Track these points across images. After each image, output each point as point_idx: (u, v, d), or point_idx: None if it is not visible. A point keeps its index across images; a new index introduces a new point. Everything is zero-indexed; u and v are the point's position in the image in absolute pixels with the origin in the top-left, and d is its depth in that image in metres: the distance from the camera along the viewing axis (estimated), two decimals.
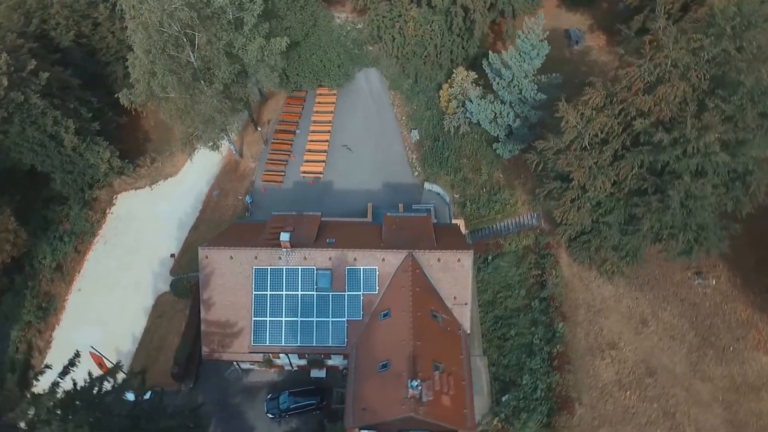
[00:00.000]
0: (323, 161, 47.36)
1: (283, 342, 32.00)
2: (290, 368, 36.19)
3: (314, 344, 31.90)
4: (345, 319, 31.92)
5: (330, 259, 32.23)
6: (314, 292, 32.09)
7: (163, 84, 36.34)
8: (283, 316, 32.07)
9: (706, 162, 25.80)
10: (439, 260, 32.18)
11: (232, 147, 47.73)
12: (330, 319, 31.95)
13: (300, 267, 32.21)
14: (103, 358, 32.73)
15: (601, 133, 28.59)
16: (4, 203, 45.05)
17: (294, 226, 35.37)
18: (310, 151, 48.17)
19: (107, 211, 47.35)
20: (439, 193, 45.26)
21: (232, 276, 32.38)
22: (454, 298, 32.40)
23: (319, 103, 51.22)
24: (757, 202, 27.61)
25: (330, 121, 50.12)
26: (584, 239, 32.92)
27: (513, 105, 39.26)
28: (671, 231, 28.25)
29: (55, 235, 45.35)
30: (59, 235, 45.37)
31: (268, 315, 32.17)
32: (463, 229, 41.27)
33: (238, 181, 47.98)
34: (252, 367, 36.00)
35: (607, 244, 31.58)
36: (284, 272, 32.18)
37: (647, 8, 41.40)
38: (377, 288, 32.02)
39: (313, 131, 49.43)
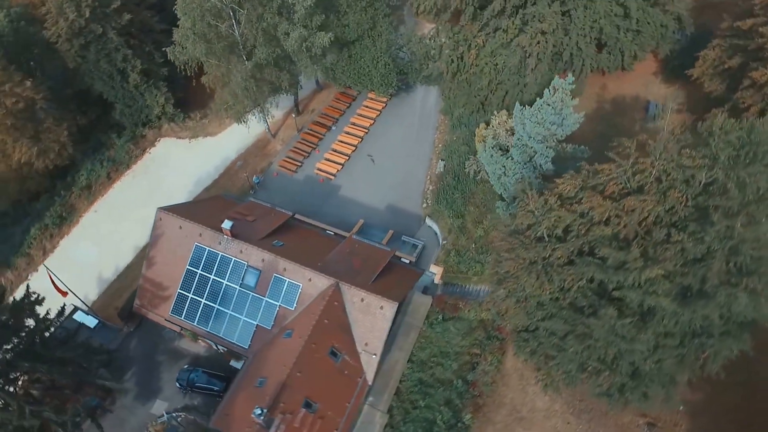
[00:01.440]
0: (341, 164, 47.31)
1: (195, 322, 33.03)
2: (216, 350, 37.24)
3: (221, 335, 32.49)
4: (255, 323, 32.04)
5: (263, 260, 32.39)
6: (238, 287, 32.56)
7: (193, 48, 38.60)
8: (204, 298, 33.02)
9: (648, 300, 21.48)
10: (362, 300, 30.85)
11: (266, 125, 49.48)
12: (242, 318, 32.27)
13: (234, 258, 32.81)
14: (55, 281, 36.18)
15: (556, 228, 25.04)
16: (68, 119, 51.59)
17: (256, 217, 36.04)
18: (334, 150, 48.35)
19: (147, 150, 51.85)
20: (436, 233, 43.11)
21: (176, 244, 33.99)
22: (366, 344, 30.95)
23: (365, 106, 51.09)
24: (708, 371, 22.48)
25: (367, 127, 49.79)
26: (524, 336, 29.35)
27: (522, 167, 35.85)
28: (595, 366, 24.09)
29: (100, 158, 50.78)
30: (102, 158, 50.73)
31: (191, 292, 33.35)
32: (437, 279, 39.11)
33: (261, 158, 49.75)
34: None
35: (542, 351, 27.83)
36: (219, 258, 33.00)
37: (729, 102, 35.16)
38: (295, 305, 31.62)
39: (347, 132, 49.48)
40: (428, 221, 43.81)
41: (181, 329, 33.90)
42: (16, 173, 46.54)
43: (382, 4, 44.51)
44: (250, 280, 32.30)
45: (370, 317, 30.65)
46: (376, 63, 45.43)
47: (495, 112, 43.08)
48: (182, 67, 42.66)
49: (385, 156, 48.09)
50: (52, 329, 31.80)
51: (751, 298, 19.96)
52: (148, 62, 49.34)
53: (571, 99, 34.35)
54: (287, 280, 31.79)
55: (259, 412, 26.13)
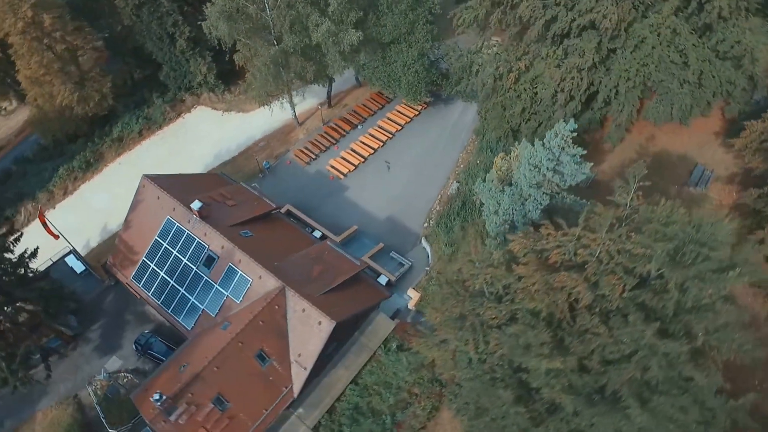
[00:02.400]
0: (355, 165, 46.78)
1: (150, 292, 34.09)
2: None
3: (169, 311, 33.31)
4: (202, 308, 32.51)
5: (222, 247, 32.75)
6: (195, 268, 33.19)
7: (216, 26, 39.49)
8: (163, 270, 33.98)
9: (548, 392, 19.17)
10: (303, 311, 30.34)
11: (293, 112, 49.93)
12: (192, 299, 32.87)
13: (198, 239, 33.43)
14: (48, 223, 38.76)
15: (493, 285, 23.02)
16: (124, 71, 55.19)
17: (238, 203, 36.53)
18: (352, 150, 47.89)
19: (182, 114, 54.13)
20: (428, 256, 41.59)
21: (152, 213, 35.19)
22: (299, 355, 30.46)
23: (396, 111, 50.18)
24: None
25: (393, 133, 48.88)
26: (455, 390, 27.47)
27: (513, 209, 33.49)
28: None
29: (138, 114, 53.73)
30: (139, 115, 53.63)
31: (153, 262, 34.44)
32: (412, 304, 37.83)
33: (282, 143, 50.34)
34: None
35: (465, 411, 25.90)
36: (185, 235, 33.77)
37: None
38: (242, 298, 31.71)
39: (371, 134, 48.84)
40: (424, 242, 42.36)
41: (139, 296, 35.20)
42: (58, 113, 50.27)
43: (424, 10, 43.12)
44: (207, 264, 32.81)
45: (308, 329, 30.10)
46: (406, 69, 44.28)
47: (517, 144, 40.87)
48: (217, 41, 43.92)
49: (402, 165, 47.01)
50: (24, 269, 34.07)
51: (652, 420, 17.18)
52: (197, 30, 51.19)
53: (576, 147, 31.53)
54: (240, 272, 31.95)
55: (157, 397, 26.57)
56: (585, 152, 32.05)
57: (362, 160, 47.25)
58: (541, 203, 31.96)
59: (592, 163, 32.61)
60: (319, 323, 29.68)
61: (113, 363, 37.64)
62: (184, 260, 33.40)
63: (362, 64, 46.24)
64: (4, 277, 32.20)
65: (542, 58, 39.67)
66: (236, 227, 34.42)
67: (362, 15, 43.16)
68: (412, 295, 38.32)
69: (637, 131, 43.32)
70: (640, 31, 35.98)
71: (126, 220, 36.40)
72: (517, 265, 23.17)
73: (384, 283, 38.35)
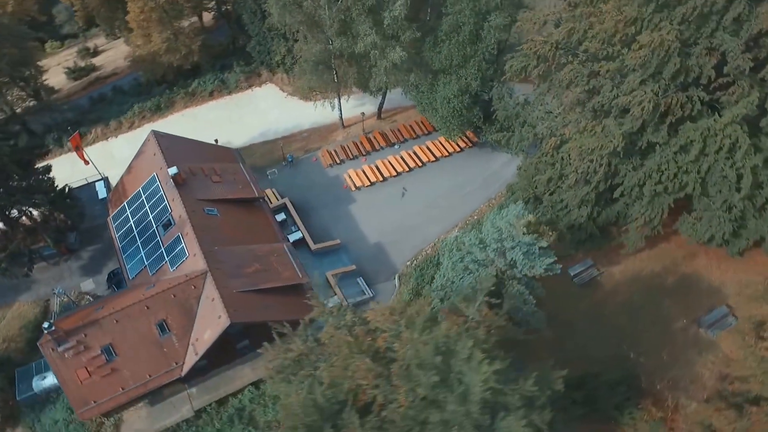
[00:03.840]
0: (371, 182, 46.98)
1: (117, 234, 37.83)
2: None
3: (123, 256, 36.79)
4: (146, 264, 35.37)
5: (180, 216, 35.26)
6: (155, 227, 36.20)
7: (272, 10, 41.86)
8: (133, 219, 37.53)
9: None
10: (212, 300, 31.70)
11: (339, 113, 51.32)
12: (142, 253, 35.89)
13: (166, 202, 36.33)
14: (83, 151, 44.51)
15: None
16: (208, 37, 60.85)
17: (224, 180, 38.95)
18: (376, 166, 48.12)
19: (252, 87, 58.22)
20: (393, 294, 40.75)
21: (146, 166, 38.85)
22: (197, 339, 31.99)
23: (438, 141, 49.32)
24: None
25: (424, 162, 48.21)
26: None
27: (454, 280, 31.55)
28: None
29: (217, 75, 58.83)
30: (217, 77, 58.68)
31: (130, 209, 38.12)
32: None
33: (320, 140, 52.02)
34: None
35: None
36: (159, 195, 36.91)
37: None
38: (174, 269, 33.86)
39: (401, 157, 48.57)
40: (396, 280, 41.57)
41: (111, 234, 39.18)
42: (152, 56, 57.11)
43: (484, 47, 41.63)
44: (165, 227, 35.58)
45: (210, 319, 31.41)
46: (445, 102, 43.23)
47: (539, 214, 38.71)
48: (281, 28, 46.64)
49: (417, 197, 46.27)
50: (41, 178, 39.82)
51: None
52: None
53: (537, 238, 28.91)
54: (182, 244, 34.21)
55: (46, 325, 29.75)
56: (545, 244, 29.48)
57: (381, 179, 47.26)
58: (479, 283, 29.78)
59: (554, 258, 29.76)
60: (219, 317, 30.89)
61: (87, 284, 42.42)
62: (150, 217, 36.55)
63: (411, 84, 46.05)
64: (20, 182, 37.92)
65: (579, 131, 36.53)
66: (204, 203, 36.73)
67: (419, 36, 43.02)
68: None
69: (676, 241, 38.01)
70: (690, 132, 31.47)
71: (129, 165, 40.65)
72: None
73: (333, 305, 38.37)
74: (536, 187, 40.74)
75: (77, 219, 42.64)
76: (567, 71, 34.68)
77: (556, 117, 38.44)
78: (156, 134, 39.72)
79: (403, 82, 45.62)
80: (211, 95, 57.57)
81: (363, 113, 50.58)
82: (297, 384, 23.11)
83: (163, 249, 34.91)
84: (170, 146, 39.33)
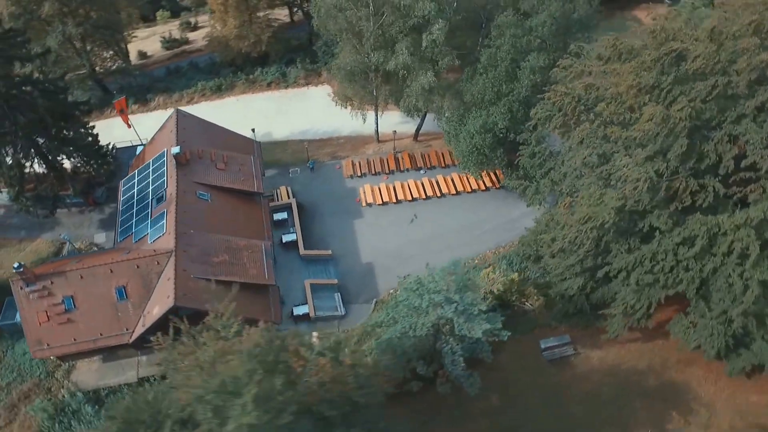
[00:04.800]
0: (384, 201, 46.71)
1: (121, 198, 40.78)
2: None
3: (119, 219, 39.60)
4: (132, 231, 37.82)
5: (170, 194, 37.34)
6: (150, 198, 38.66)
7: (317, 16, 42.99)
8: (136, 188, 40.28)
9: None
10: (168, 279, 33.22)
11: (375, 127, 51.50)
12: (133, 220, 38.32)
13: (165, 178, 38.65)
14: (127, 115, 48.46)
15: None
16: (289, 32, 63.53)
17: (228, 170, 40.69)
18: (393, 187, 47.75)
19: (308, 86, 60.05)
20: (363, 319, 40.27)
21: (164, 141, 41.35)
22: (148, 312, 33.60)
23: (465, 175, 47.95)
24: None
25: (444, 194, 47.21)
26: None
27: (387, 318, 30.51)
28: None
29: (279, 68, 61.21)
30: (279, 70, 61.01)
31: (137, 178, 40.97)
32: None
33: (352, 149, 52.42)
34: None
35: None
36: (162, 170, 39.35)
37: None
38: (152, 241, 35.75)
39: (422, 183, 47.84)
40: (373, 304, 41.08)
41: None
42: (224, 40, 60.93)
43: (520, 87, 39.78)
44: (158, 201, 37.80)
45: (161, 297, 32.78)
46: (470, 137, 41.86)
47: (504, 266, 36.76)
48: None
49: (425, 226, 45.39)
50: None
51: None
52: None
53: (486, 297, 27.31)
54: (164, 221, 36.19)
55: (17, 265, 32.68)
56: (485, 307, 27.80)
57: (395, 200, 46.84)
58: (409, 332, 28.73)
59: (499, 325, 28.00)
60: (168, 297, 32.37)
61: (99, 237, 46.12)
62: (150, 189, 39.02)
63: (442, 111, 45.27)
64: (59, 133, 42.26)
65: (587, 196, 33.97)
66: (200, 186, 38.55)
67: (458, 64, 42.27)
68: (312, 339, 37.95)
69: (677, 341, 34.04)
70: (697, 225, 28.13)
71: (152, 137, 43.71)
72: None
73: (300, 313, 38.86)
74: (541, 246, 38.36)
75: (108, 175, 46.43)
76: (580, 130, 32.48)
77: (574, 176, 36.03)
78: (179, 113, 42.36)
79: (435, 108, 44.94)
80: (269, 86, 60.14)
81: (395, 131, 50.37)
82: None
83: (149, 221, 37.14)
84: (188, 127, 41.73)
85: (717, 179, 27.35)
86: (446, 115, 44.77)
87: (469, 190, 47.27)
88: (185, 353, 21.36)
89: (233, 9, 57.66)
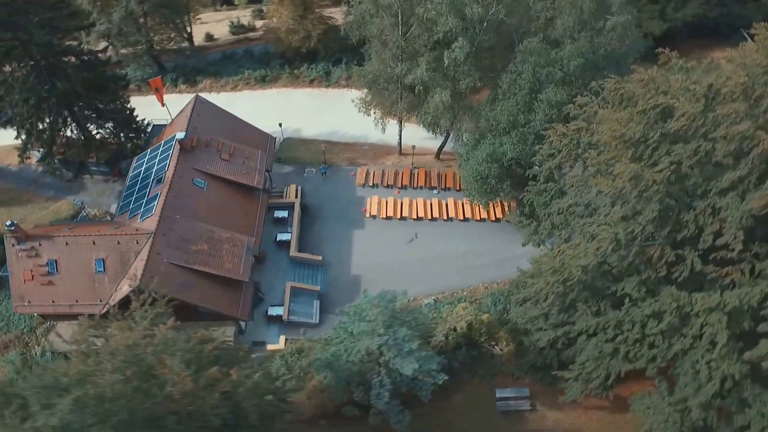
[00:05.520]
0: (388, 216, 46.35)
1: (128, 174, 43.23)
2: None
3: (122, 193, 42.09)
4: (130, 207, 40.01)
5: (168, 177, 38.94)
6: (152, 179, 40.72)
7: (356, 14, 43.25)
8: (144, 166, 42.52)
9: None
10: (141, 260, 34.85)
11: (398, 138, 51.13)
12: (133, 197, 40.44)
13: (168, 161, 40.52)
14: (161, 94, 51.16)
15: None
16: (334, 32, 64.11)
17: (231, 161, 42.04)
18: (401, 203, 47.23)
19: (349, 87, 60.67)
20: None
21: (179, 124, 43.39)
22: (119, 289, 35.55)
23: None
24: None
25: (451, 217, 46.24)
26: None
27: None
28: None
29: (323, 66, 62.21)
30: (325, 69, 61.99)
31: (147, 156, 43.23)
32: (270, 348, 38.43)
33: (373, 157, 52.43)
34: None
35: None
36: (169, 152, 41.27)
37: None
38: (141, 220, 37.69)
39: (431, 204, 47.04)
40: (342, 314, 40.93)
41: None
42: (276, 32, 62.91)
43: (539, 119, 37.95)
44: (157, 182, 39.75)
45: (131, 277, 34.75)
46: (477, 164, 40.45)
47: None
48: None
49: (423, 248, 44.61)
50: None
51: None
52: None
53: (410, 333, 26.43)
54: (155, 202, 38.04)
55: (9, 223, 35.50)
56: (416, 345, 27.00)
57: (399, 216, 46.42)
58: (343, 356, 28.39)
59: (433, 367, 27.15)
60: (135, 276, 34.06)
61: (115, 206, 49.34)
62: (154, 169, 41.13)
63: (460, 131, 44.27)
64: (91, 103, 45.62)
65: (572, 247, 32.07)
66: (199, 174, 40.16)
67: (481, 86, 41.25)
68: (278, 342, 38.58)
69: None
70: (668, 300, 25.75)
71: (175, 118, 45.97)
72: None
73: (274, 314, 39.57)
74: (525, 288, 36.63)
75: (133, 149, 49.40)
76: (570, 176, 30.81)
77: (569, 223, 34.11)
78: (198, 99, 44.27)
79: (453, 129, 44.08)
80: (311, 83, 61.37)
81: (414, 146, 49.81)
82: None
83: (145, 200, 39.16)
84: (204, 114, 43.51)
85: (697, 253, 24.85)
86: (464, 137, 43.61)
87: (478, 218, 45.91)
88: (84, 336, 22.26)
89: (288, 2, 59.26)
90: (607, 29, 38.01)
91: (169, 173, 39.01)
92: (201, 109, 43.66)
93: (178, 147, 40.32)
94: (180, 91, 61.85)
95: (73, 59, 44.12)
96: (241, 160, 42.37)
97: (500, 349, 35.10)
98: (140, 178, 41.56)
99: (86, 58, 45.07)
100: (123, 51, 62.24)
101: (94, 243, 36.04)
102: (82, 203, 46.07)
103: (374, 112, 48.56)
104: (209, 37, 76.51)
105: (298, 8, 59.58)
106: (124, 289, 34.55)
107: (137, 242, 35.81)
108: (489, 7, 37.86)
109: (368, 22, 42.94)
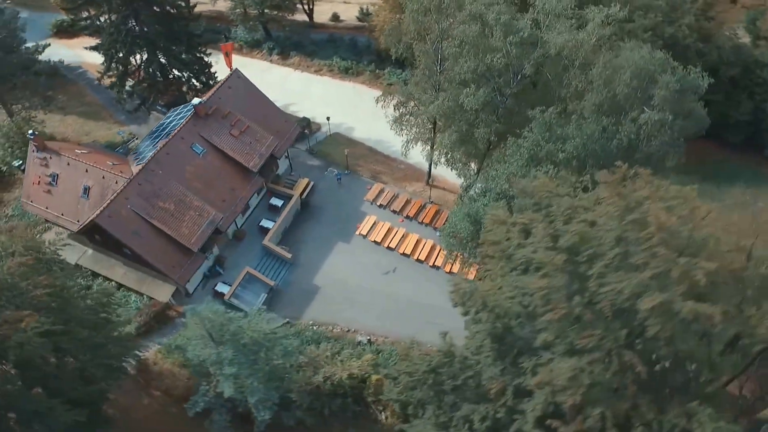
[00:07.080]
0: (377, 241, 45.90)
1: (160, 123, 48.22)
2: None
3: (144, 137, 47.22)
4: (138, 151, 44.97)
5: (164, 146, 42.20)
6: (164, 132, 45.01)
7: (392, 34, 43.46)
8: (166, 121, 46.95)
9: None
10: (110, 198, 39.31)
11: (429, 169, 50.18)
12: (147, 142, 45.34)
13: (182, 121, 44.29)
14: (230, 58, 55.33)
15: None
16: None
17: (240, 136, 44.68)
18: (396, 234, 46.60)
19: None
20: None
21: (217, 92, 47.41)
22: (91, 215, 40.35)
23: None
24: None
25: (438, 266, 44.93)
26: None
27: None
28: None
29: (393, 71, 62.88)
30: (366, 67, 63.36)
31: (175, 112, 47.68)
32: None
33: (400, 179, 51.88)
34: None
35: None
36: (180, 117, 45.26)
37: None
38: (134, 165, 42.49)
39: (425, 245, 45.90)
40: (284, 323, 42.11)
41: None
42: (371, 29, 64.67)
43: (534, 140, 34.92)
44: (166, 135, 43.98)
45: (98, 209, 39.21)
46: (457, 218, 38.57)
47: None
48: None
49: (396, 286, 43.73)
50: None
51: None
52: None
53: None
54: (150, 153, 42.18)
55: (31, 132, 41.30)
56: (244, 370, 27.41)
57: (387, 245, 46.02)
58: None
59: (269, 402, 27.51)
60: (99, 210, 38.37)
61: None
62: (172, 124, 45.39)
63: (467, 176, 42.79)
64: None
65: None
66: (202, 141, 43.56)
67: (494, 140, 39.60)
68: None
69: None
70: None
71: (213, 91, 49.58)
72: None
73: (219, 290, 42.09)
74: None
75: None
76: (497, 268, 28.76)
77: None
78: (235, 73, 47.55)
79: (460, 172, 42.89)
80: (389, 86, 62.01)
81: (432, 180, 48.75)
82: None
83: (150, 148, 43.70)
84: (234, 87, 46.72)
85: None
86: (464, 184, 42.08)
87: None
88: None
89: (389, 4, 60.50)
90: (641, 122, 33.94)
91: (173, 133, 42.81)
92: (234, 83, 46.90)
93: (192, 111, 43.94)
94: (271, 61, 66.36)
95: (158, 9, 49.65)
96: (249, 140, 44.84)
97: (385, 418, 33.95)
98: (161, 128, 46.13)
99: (171, 10, 50.46)
100: (237, 11, 67.59)
101: (86, 171, 41.18)
102: (122, 134, 52.30)
103: (405, 133, 48.12)
104: (335, 17, 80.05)
105: (396, 11, 60.37)
106: (90, 217, 39.10)
107: (117, 182, 40.19)
108: (515, 58, 35.73)
109: (416, 45, 42.82)
